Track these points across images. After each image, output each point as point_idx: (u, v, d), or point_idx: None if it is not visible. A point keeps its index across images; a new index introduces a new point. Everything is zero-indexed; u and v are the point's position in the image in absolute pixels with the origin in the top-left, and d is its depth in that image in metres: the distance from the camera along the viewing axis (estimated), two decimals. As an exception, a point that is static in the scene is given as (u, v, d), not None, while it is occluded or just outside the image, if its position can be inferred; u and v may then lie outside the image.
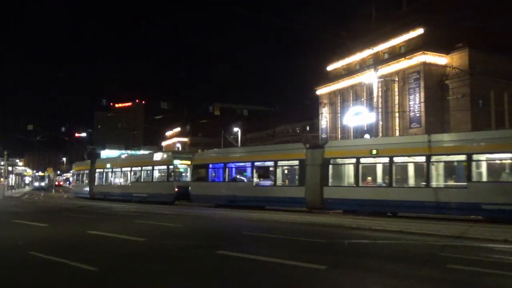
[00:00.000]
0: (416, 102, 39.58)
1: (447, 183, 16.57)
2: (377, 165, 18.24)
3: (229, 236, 12.47)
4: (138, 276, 7.05)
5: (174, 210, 21.97)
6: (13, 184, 65.54)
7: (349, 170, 18.74)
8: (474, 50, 38.02)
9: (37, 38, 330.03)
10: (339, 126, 48.19)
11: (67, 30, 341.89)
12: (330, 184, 18.71)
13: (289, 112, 68.25)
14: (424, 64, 38.74)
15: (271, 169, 21.88)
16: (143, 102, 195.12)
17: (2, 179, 52.17)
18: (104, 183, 34.56)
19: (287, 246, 10.32)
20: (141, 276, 7.02)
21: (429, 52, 39.28)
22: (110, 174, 33.97)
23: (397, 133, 40.53)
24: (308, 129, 62.15)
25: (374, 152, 17.72)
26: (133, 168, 31.22)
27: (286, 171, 22.11)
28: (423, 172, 16.47)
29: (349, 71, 49.35)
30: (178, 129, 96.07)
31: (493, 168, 15.68)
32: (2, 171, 53.41)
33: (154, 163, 29.26)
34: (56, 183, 78.63)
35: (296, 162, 20.34)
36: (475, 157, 15.23)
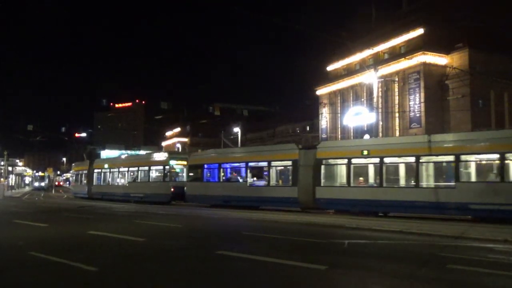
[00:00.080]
0: (416, 102, 39.58)
1: (437, 183, 16.79)
2: (368, 165, 18.48)
3: (229, 236, 12.46)
4: (138, 276, 7.05)
5: (173, 210, 21.99)
6: (13, 184, 65.56)
7: (341, 171, 18.99)
8: (474, 50, 38.02)
9: (37, 38, 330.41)
10: (339, 126, 48.20)
11: (67, 30, 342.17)
12: (322, 184, 18.94)
13: (289, 112, 68.43)
14: (424, 64, 38.75)
15: (265, 169, 22.11)
16: (143, 102, 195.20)
17: (2, 179, 52.17)
18: (102, 183, 34.72)
19: (287, 246, 10.32)
20: (141, 276, 7.02)
21: (429, 52, 39.28)
22: (108, 174, 34.16)
23: (397, 133, 40.54)
24: (308, 129, 62.14)
25: (365, 152, 17.97)
26: (131, 168, 31.45)
27: (279, 172, 22.28)
28: (413, 172, 16.70)
29: (349, 71, 49.36)
30: (178, 129, 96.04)
31: (480, 169, 15.88)
32: (2, 171, 53.41)
33: (151, 164, 29.49)
34: (56, 183, 78.61)
35: (289, 163, 20.57)
36: (463, 157, 15.46)
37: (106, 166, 34.77)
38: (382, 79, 35.29)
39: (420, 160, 16.33)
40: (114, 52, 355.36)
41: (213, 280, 6.73)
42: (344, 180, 18.48)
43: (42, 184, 76.06)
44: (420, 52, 38.87)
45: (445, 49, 39.45)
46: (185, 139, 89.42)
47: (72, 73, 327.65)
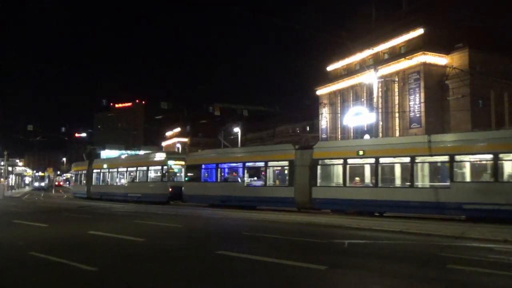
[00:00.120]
0: (416, 102, 39.57)
1: (431, 183, 16.93)
2: (364, 165, 18.60)
3: (229, 236, 12.47)
4: (138, 276, 7.05)
5: (172, 210, 22.00)
6: (13, 184, 65.57)
7: (337, 171, 19.13)
8: (474, 50, 38.00)
9: (37, 38, 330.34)
10: (339, 126, 48.17)
11: (67, 30, 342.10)
12: (318, 185, 19.08)
13: (289, 112, 68.41)
14: (424, 64, 38.73)
15: (262, 169, 22.23)
16: (143, 102, 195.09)
17: (2, 179, 52.18)
18: (101, 183, 34.84)
19: (287, 246, 10.32)
20: (141, 276, 7.02)
21: (429, 52, 39.25)
22: (107, 174, 34.27)
23: (397, 134, 40.53)
24: (308, 129, 62.10)
25: (361, 153, 18.13)
26: (129, 169, 31.58)
27: (276, 172, 22.46)
28: (407, 172, 16.79)
29: (349, 71, 49.34)
30: (178, 129, 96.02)
31: (475, 169, 15.98)
32: (2, 171, 53.41)
33: (149, 164, 29.59)
34: (56, 183, 78.64)
35: (286, 163, 20.70)
36: (457, 158, 15.58)
37: (105, 166, 34.87)
38: (382, 79, 35.28)
39: (415, 160, 16.50)
40: (114, 52, 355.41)
41: (213, 280, 6.74)
42: (340, 180, 18.63)
43: (42, 184, 76.07)
44: (420, 52, 38.85)
45: (445, 49, 39.43)
46: (185, 139, 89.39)
47: (72, 73, 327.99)
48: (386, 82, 39.34)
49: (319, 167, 19.15)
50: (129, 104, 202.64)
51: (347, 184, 18.23)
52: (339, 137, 47.52)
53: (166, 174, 27.48)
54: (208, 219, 17.94)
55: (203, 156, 26.31)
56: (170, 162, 27.70)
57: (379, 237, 11.19)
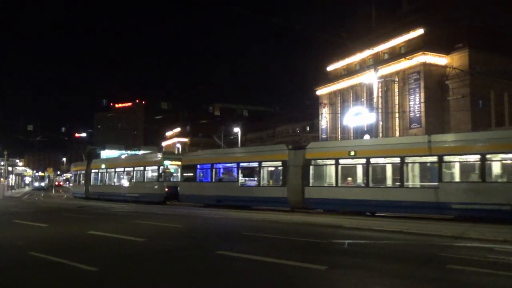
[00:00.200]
0: (416, 103, 39.57)
1: (421, 184, 17.18)
2: (355, 166, 18.79)
3: (229, 236, 12.47)
4: (138, 276, 7.05)
5: (172, 210, 22.04)
6: (13, 184, 65.57)
7: (329, 171, 19.30)
8: (474, 50, 38.00)
9: (37, 38, 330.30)
10: (339, 126, 48.17)
11: (67, 30, 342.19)
12: (311, 185, 19.26)
13: (289, 113, 68.39)
14: (424, 64, 38.73)
15: (255, 170, 22.36)
16: (143, 102, 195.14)
17: (2, 179, 52.20)
18: (99, 183, 35.10)
19: (287, 246, 10.32)
20: (141, 276, 7.02)
21: (429, 53, 39.25)
22: (105, 174, 34.52)
23: (397, 134, 40.54)
24: (308, 129, 62.13)
25: (352, 153, 18.31)
26: (126, 169, 31.84)
27: (270, 172, 22.61)
28: (398, 173, 16.98)
29: (349, 72, 49.34)
30: (178, 129, 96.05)
31: (463, 169, 16.15)
32: (2, 171, 53.42)
33: (146, 164, 29.80)
34: (56, 183, 78.67)
35: (279, 163, 20.88)
36: (446, 158, 15.78)
37: (103, 166, 35.17)
38: (382, 79, 35.28)
39: (405, 161, 16.71)
40: (114, 52, 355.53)
41: (213, 280, 6.73)
42: (332, 180, 18.81)
43: (42, 184, 76.10)
44: (420, 52, 38.85)
45: (445, 49, 39.44)
46: (185, 139, 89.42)
47: (72, 73, 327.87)
48: (386, 82, 39.35)
49: (311, 167, 19.35)
50: (129, 104, 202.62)
51: (339, 184, 18.45)
52: (339, 137, 47.52)
53: (163, 174, 27.63)
54: (208, 219, 17.94)
55: (199, 156, 26.57)
56: (167, 162, 27.87)
57: (379, 237, 11.19)
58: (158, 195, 27.19)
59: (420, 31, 40.43)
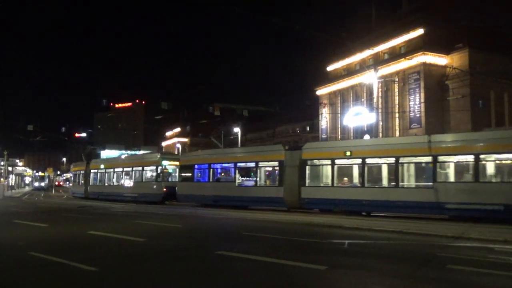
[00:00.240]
0: (416, 103, 39.58)
1: (416, 184, 17.28)
2: (351, 166, 18.86)
3: (229, 236, 12.47)
4: (138, 276, 7.05)
5: (171, 210, 22.05)
6: (13, 184, 65.55)
7: (325, 171, 19.40)
8: (474, 50, 38.02)
9: (37, 38, 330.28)
10: (339, 126, 48.19)
11: (67, 30, 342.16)
12: (307, 185, 19.35)
13: (289, 113, 68.42)
14: (424, 64, 38.74)
15: (252, 170, 22.53)
16: (143, 102, 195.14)
17: (2, 179, 52.19)
18: (98, 183, 35.24)
19: (287, 246, 10.32)
20: (141, 276, 7.02)
21: (429, 53, 39.28)
22: (103, 174, 34.65)
23: (397, 134, 40.55)
24: (308, 129, 62.15)
25: (348, 153, 18.42)
26: (125, 169, 31.98)
27: (267, 172, 22.70)
28: (393, 173, 17.09)
29: (349, 72, 49.35)
30: (178, 129, 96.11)
31: (457, 169, 16.25)
32: (2, 171, 53.41)
33: (144, 164, 29.92)
34: (56, 183, 78.66)
35: (276, 163, 20.99)
36: (440, 158, 15.90)
37: (102, 166, 35.36)
38: (382, 79, 35.29)
39: (400, 161, 16.82)
40: (114, 52, 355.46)
41: (213, 280, 6.73)
42: (329, 180, 18.92)
43: (42, 184, 76.10)
44: (420, 52, 38.87)
45: (445, 49, 39.45)
46: (185, 139, 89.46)
47: (72, 73, 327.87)
48: (386, 82, 39.36)
49: (307, 167, 19.45)
50: (129, 104, 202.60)
51: (335, 184, 18.59)
52: (339, 137, 47.54)
53: (161, 174, 27.76)
54: (207, 219, 17.94)
55: (196, 157, 26.74)
56: (165, 163, 28.01)
57: (379, 237, 11.19)
58: (156, 195, 27.30)
59: (420, 31, 40.45)
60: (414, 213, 16.46)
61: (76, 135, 58.45)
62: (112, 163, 35.11)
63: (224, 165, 24.31)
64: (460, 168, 16.19)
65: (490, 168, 15.46)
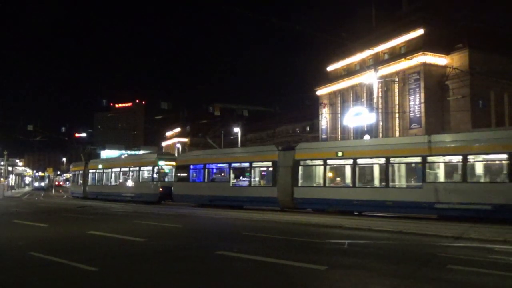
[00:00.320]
0: (416, 103, 39.57)
1: (406, 184, 17.48)
2: (343, 166, 19.03)
3: (229, 236, 12.47)
4: (138, 276, 7.05)
5: (170, 210, 22.04)
6: (13, 184, 65.56)
7: (318, 171, 19.56)
8: (474, 50, 38.01)
9: (37, 38, 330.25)
10: (339, 126, 48.18)
11: (67, 30, 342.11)
12: (300, 185, 19.50)
13: (289, 113, 68.30)
14: (424, 64, 38.73)
15: (247, 170, 22.66)
16: (143, 102, 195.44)
17: (2, 179, 52.19)
18: (96, 183, 35.39)
19: (287, 246, 10.32)
20: (141, 276, 7.02)
21: (429, 53, 39.26)
22: (102, 174, 34.79)
23: (397, 134, 40.54)
24: (308, 129, 62.15)
25: (340, 154, 18.59)
26: (122, 169, 32.14)
27: (260, 172, 22.84)
28: (383, 173, 17.27)
29: (349, 72, 49.34)
30: (178, 130, 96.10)
31: (447, 169, 16.40)
32: (2, 171, 53.43)
33: (141, 164, 30.01)
34: (56, 183, 78.65)
35: (269, 164, 21.16)
36: (429, 159, 16.02)
37: (100, 166, 35.54)
38: (382, 80, 35.29)
39: (390, 161, 16.96)
40: (114, 52, 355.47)
41: (213, 280, 6.73)
42: (321, 180, 19.10)
43: (42, 184, 76.11)
44: (420, 53, 38.86)
45: (445, 49, 39.44)
46: (185, 139, 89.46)
47: (72, 73, 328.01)
48: (386, 82, 39.36)
49: (300, 167, 19.60)
50: (129, 104, 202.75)
51: (327, 184, 18.75)
52: (339, 137, 47.51)
53: (157, 174, 27.85)
54: (207, 219, 17.95)
55: (192, 157, 26.88)
56: (161, 163, 28.13)
57: (379, 237, 11.19)
58: (152, 195, 27.45)
59: (420, 31, 40.44)
60: (404, 213, 16.62)
61: (76, 135, 58.41)
62: (110, 163, 35.28)
63: (219, 165, 24.44)
64: (450, 169, 16.35)
65: (479, 168, 15.65)
